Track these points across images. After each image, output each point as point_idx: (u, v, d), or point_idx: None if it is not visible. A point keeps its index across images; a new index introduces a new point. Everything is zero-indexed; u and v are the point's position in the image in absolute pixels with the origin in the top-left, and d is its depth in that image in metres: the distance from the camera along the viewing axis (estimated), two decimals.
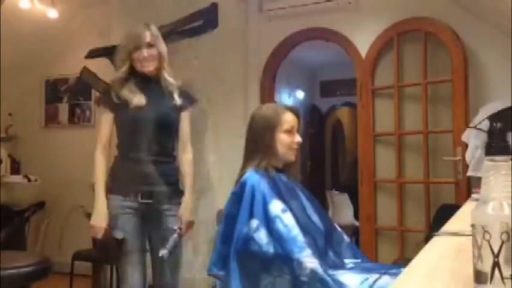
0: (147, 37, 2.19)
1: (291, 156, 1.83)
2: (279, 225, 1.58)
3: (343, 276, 1.55)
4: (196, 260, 3.67)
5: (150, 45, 2.19)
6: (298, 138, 1.82)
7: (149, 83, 2.24)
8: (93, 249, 4.11)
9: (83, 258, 3.65)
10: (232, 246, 1.60)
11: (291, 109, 1.86)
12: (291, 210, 1.66)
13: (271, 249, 1.54)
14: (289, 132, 1.80)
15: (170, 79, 2.25)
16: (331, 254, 1.72)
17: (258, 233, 1.57)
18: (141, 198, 2.20)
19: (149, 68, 2.20)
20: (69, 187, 4.62)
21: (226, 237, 1.66)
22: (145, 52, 2.17)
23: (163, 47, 2.25)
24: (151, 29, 2.23)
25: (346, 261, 1.76)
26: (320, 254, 1.60)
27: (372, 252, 3.46)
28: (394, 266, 1.78)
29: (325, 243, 1.71)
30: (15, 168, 4.82)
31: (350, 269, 1.69)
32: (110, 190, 2.23)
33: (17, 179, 4.48)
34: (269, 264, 1.53)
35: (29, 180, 4.42)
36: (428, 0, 3.49)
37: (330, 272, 1.53)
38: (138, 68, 2.20)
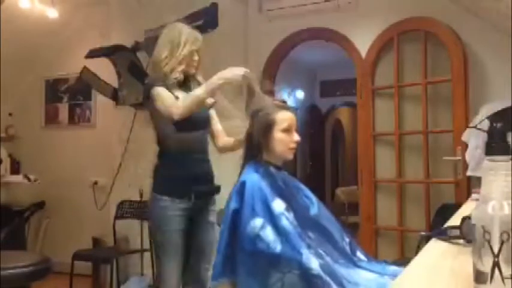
0: (201, 41, 2.29)
1: (289, 155, 1.83)
2: (285, 222, 1.58)
3: (352, 272, 1.55)
4: None
5: (198, 50, 2.28)
6: (296, 137, 1.82)
7: (188, 83, 2.30)
8: (93, 249, 4.13)
9: (83, 258, 3.65)
10: (237, 246, 1.59)
11: (288, 107, 1.86)
12: (292, 208, 1.66)
13: (278, 246, 1.54)
14: (287, 131, 1.79)
15: (202, 80, 2.32)
16: (334, 249, 1.72)
17: (264, 231, 1.57)
18: (194, 199, 2.21)
19: (194, 70, 2.29)
20: (69, 187, 4.62)
21: (231, 238, 1.65)
22: (197, 56, 2.27)
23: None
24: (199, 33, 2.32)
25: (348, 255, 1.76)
26: (323, 251, 1.60)
27: (372, 252, 3.45)
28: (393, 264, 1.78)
29: (327, 239, 1.71)
30: (15, 168, 4.82)
31: (357, 264, 1.69)
32: (159, 191, 2.19)
33: (17, 179, 4.49)
34: (277, 261, 1.53)
35: (29, 180, 4.42)
36: (428, 0, 3.49)
37: (337, 267, 1.54)
38: (187, 69, 2.25)
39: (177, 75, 2.20)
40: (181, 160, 2.20)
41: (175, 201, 2.16)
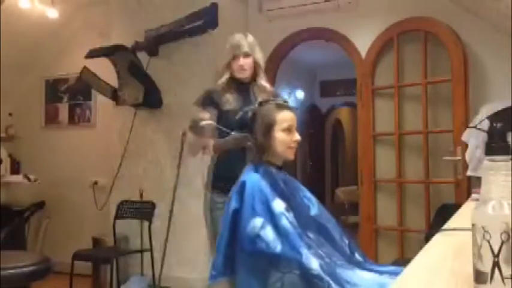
0: (245, 47, 2.37)
1: (290, 155, 1.83)
2: (285, 222, 1.58)
3: (351, 273, 1.55)
4: (197, 260, 3.67)
5: (246, 55, 2.37)
6: (297, 137, 1.82)
7: (247, 88, 2.41)
8: (93, 249, 4.12)
9: (83, 258, 3.65)
10: (237, 246, 1.59)
11: (289, 107, 1.85)
12: (292, 208, 1.66)
13: (278, 246, 1.54)
14: (287, 130, 1.79)
15: (266, 84, 2.42)
16: (334, 250, 1.72)
17: (264, 231, 1.56)
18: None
19: (245, 74, 2.38)
20: (69, 187, 4.62)
21: (231, 239, 1.65)
22: (241, 61, 2.35)
23: (258, 55, 2.41)
24: (248, 38, 2.40)
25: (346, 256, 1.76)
26: (323, 252, 1.60)
27: (372, 252, 3.46)
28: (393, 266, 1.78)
29: (327, 240, 1.71)
30: (15, 168, 4.82)
31: (356, 265, 1.68)
32: (211, 187, 2.35)
33: (17, 179, 4.48)
34: (277, 261, 1.53)
35: (29, 180, 4.42)
36: (428, 0, 3.49)
37: (337, 267, 1.53)
38: (235, 75, 2.38)
39: (223, 80, 2.38)
40: (227, 161, 2.36)
41: (221, 197, 2.31)
